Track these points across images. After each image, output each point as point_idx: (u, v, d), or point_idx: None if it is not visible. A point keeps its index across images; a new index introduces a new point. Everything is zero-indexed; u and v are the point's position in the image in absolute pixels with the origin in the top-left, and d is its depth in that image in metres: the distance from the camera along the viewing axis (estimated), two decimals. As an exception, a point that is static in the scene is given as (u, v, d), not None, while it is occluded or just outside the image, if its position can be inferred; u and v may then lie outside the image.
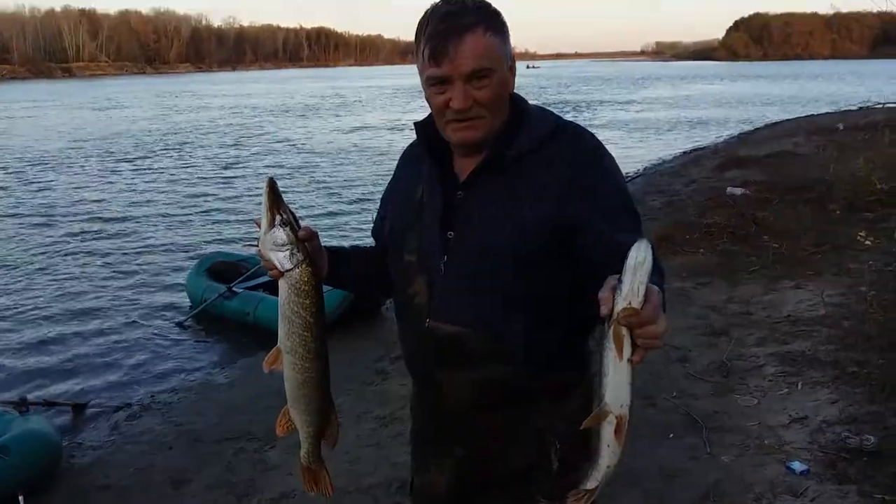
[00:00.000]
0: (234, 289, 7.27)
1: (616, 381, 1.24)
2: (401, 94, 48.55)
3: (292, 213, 1.61)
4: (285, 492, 3.73)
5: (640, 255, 1.18)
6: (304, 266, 1.58)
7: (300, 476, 1.80)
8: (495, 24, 1.50)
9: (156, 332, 7.11)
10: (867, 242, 5.46)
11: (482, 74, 1.47)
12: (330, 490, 1.80)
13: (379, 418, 4.45)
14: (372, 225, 1.87)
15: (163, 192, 14.54)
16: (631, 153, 17.12)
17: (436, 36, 1.46)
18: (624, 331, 1.20)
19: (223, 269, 7.97)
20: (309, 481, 1.80)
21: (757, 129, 22.41)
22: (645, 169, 15.07)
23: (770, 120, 24.67)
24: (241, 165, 17.91)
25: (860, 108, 17.73)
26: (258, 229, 1.61)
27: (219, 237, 10.93)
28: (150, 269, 9.30)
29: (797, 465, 3.24)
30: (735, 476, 3.29)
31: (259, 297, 7.07)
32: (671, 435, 3.72)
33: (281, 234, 1.57)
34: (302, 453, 1.76)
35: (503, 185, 1.53)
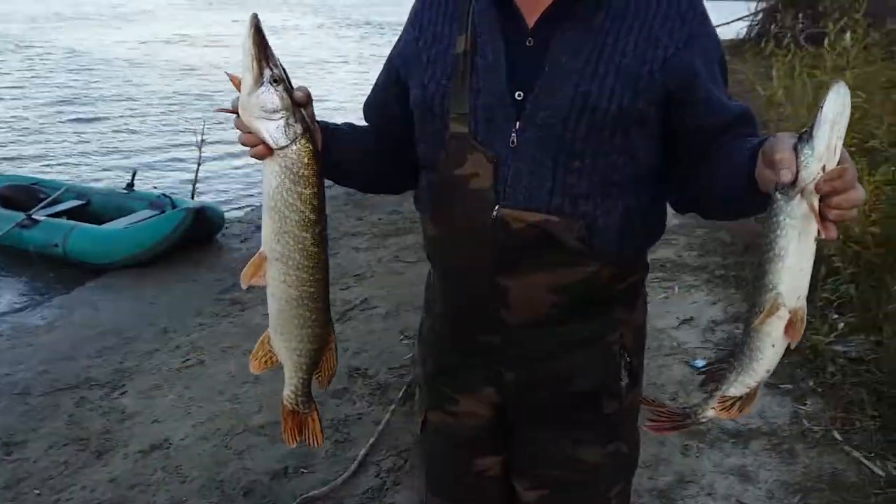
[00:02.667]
0: (34, 216, 6.20)
1: (796, 265, 1.00)
2: (194, 4, 44.37)
3: (283, 68, 1.17)
4: (156, 442, 3.20)
5: (838, 105, 0.93)
6: (303, 142, 1.17)
7: (281, 422, 1.40)
8: None
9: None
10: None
11: None
12: (319, 439, 1.41)
13: (248, 352, 3.94)
14: (367, 97, 1.44)
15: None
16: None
17: None
18: (816, 200, 0.96)
19: (13, 196, 6.79)
20: (291, 429, 1.39)
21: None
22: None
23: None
24: (11, 80, 15.34)
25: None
26: (237, 91, 1.17)
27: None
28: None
29: (701, 363, 3.33)
30: (645, 379, 3.30)
31: (68, 226, 6.08)
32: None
33: (273, 95, 1.14)
34: (287, 393, 1.37)
35: (592, 27, 1.18)
